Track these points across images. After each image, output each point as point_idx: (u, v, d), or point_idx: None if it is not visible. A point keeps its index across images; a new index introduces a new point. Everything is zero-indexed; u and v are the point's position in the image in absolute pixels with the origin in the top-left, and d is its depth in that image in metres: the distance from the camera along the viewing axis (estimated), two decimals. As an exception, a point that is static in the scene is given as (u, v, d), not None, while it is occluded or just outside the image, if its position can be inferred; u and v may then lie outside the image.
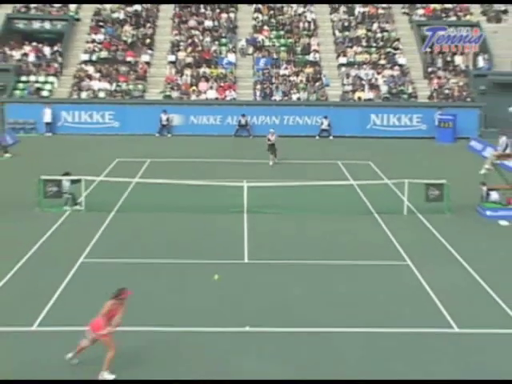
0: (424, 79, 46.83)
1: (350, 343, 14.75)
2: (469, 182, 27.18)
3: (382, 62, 47.44)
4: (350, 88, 45.39)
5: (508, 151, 26.65)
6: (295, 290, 17.69)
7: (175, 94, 44.73)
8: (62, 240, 21.56)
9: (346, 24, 50.29)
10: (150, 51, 47.83)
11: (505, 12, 50.68)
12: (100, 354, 13.10)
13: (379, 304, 16.89)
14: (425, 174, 28.02)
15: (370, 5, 51.47)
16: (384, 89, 45.31)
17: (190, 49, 47.79)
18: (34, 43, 47.95)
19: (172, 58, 47.20)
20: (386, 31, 49.76)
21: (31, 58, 46.97)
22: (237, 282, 18.29)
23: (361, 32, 49.57)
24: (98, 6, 50.83)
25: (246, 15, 51.33)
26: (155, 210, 24.62)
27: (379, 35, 49.42)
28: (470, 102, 44.73)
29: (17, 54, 47.02)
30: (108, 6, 50.92)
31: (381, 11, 51.40)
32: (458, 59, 47.33)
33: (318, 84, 45.40)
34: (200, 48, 48.01)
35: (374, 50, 48.37)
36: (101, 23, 49.93)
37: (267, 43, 48.72)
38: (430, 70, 47.01)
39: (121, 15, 50.50)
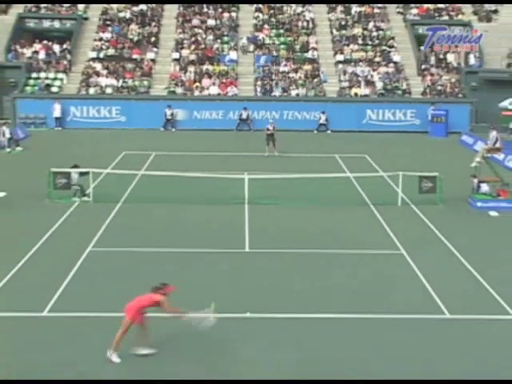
0: (418, 76, 46.75)
1: (346, 329, 14.73)
2: (460, 174, 27.15)
3: (378, 59, 47.37)
4: (346, 84, 45.32)
5: (498, 145, 26.64)
6: (294, 278, 17.68)
7: (179, 90, 44.66)
8: (71, 230, 21.56)
9: (343, 23, 50.16)
10: (155, 49, 47.74)
11: (495, 12, 50.57)
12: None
13: (374, 291, 16.88)
14: (418, 166, 27.98)
15: (366, 4, 51.37)
16: (379, 85, 45.24)
17: (193, 47, 47.69)
18: (45, 41, 47.90)
19: (176, 55, 47.10)
20: (382, 30, 49.65)
21: (41, 55, 46.92)
22: (238, 270, 18.29)
23: (357, 31, 49.47)
24: (106, 5, 50.71)
25: (247, 14, 51.20)
26: (160, 201, 24.59)
27: (375, 34, 49.31)
28: (462, 97, 44.68)
29: (28, 52, 46.98)
30: (115, 6, 50.82)
31: (376, 11, 51.29)
32: (450, 57, 47.24)
33: (316, 80, 45.32)
34: (203, 46, 47.91)
35: (369, 47, 48.26)
36: (108, 22, 49.82)
37: (267, 41, 48.61)
38: (423, 67, 46.93)
39: (127, 14, 50.38)
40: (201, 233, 21.38)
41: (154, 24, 49.66)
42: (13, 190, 25.84)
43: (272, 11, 51.18)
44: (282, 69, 46.34)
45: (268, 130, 34.55)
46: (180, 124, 42.93)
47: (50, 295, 16.05)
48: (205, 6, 51.04)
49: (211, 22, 49.98)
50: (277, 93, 44.63)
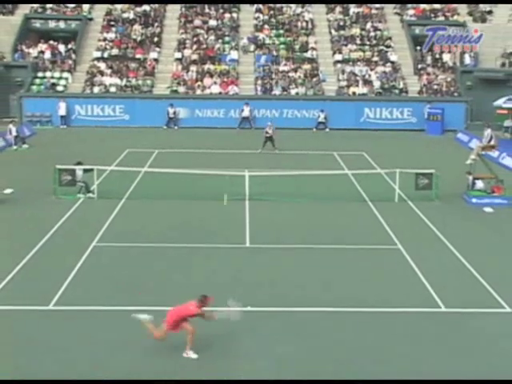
0: (414, 75, 46.69)
1: (344, 322, 14.73)
2: (456, 171, 27.12)
3: (375, 59, 47.31)
4: (345, 83, 45.26)
5: (492, 143, 26.65)
6: (293, 272, 17.69)
7: (181, 89, 44.63)
8: (76, 225, 21.55)
9: (342, 23, 50.09)
10: (157, 49, 47.69)
11: (489, 13, 50.52)
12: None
13: (372, 285, 16.87)
14: (415, 163, 27.93)
15: (363, 5, 51.34)
16: (377, 84, 45.20)
17: (195, 46, 47.65)
18: (50, 41, 47.91)
19: (178, 55, 47.07)
20: (379, 30, 49.58)
21: (47, 55, 46.89)
22: (239, 264, 18.29)
23: (355, 31, 49.40)
24: (110, 6, 50.67)
25: (247, 15, 51.12)
26: (163, 198, 24.59)
27: (372, 34, 49.24)
28: (457, 96, 44.63)
29: (34, 52, 46.95)
30: (119, 7, 50.77)
31: (374, 11, 51.24)
32: (446, 56, 47.17)
33: (315, 79, 45.28)
34: (205, 46, 47.86)
35: (367, 47, 48.19)
36: (112, 22, 49.75)
37: (267, 41, 48.55)
38: (419, 66, 46.87)
39: (131, 15, 50.32)
40: (202, 228, 21.37)
41: (156, 24, 49.61)
42: (20, 186, 25.83)
43: (272, 12, 51.11)
44: (281, 68, 46.29)
45: (267, 132, 34.56)
46: (182, 122, 42.89)
47: (55, 289, 16.05)
48: (206, 7, 50.98)
49: (212, 23, 49.91)
50: (277, 92, 44.59)
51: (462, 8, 51.08)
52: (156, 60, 46.94)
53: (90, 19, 50.13)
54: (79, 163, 25.20)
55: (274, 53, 47.48)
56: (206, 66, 46.18)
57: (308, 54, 47.37)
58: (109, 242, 19.88)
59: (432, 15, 50.55)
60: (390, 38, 48.89)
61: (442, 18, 49.86)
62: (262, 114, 42.92)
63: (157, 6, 50.94)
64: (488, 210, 24.23)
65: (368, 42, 48.62)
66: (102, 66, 45.95)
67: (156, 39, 48.39)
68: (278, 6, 51.40)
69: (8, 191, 25.13)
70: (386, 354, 13.28)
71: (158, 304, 15.24)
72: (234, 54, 47.18)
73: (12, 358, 12.86)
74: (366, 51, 47.80)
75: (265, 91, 44.65)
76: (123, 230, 21.11)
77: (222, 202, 24.22)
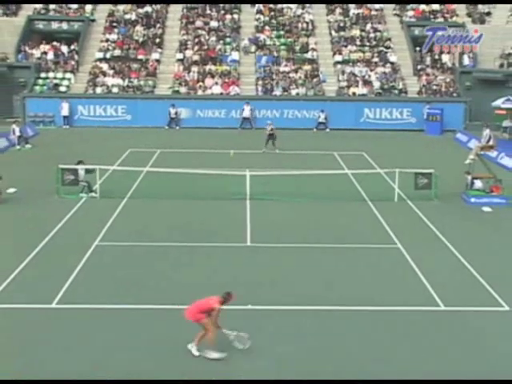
0: (413, 76, 46.65)
1: (344, 321, 14.71)
2: (455, 171, 27.10)
3: (375, 59, 47.27)
4: (345, 84, 45.23)
5: (491, 143, 26.61)
6: (293, 271, 17.67)
7: (183, 90, 44.61)
8: (79, 224, 21.53)
9: (342, 24, 50.06)
10: (159, 50, 47.67)
11: (488, 14, 50.48)
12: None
13: (371, 284, 16.85)
14: (414, 163, 27.90)
15: (363, 7, 51.32)
16: (376, 85, 45.16)
17: (196, 47, 47.62)
18: (53, 42, 47.85)
19: (180, 55, 47.05)
20: (379, 31, 49.54)
21: (50, 56, 46.87)
22: (240, 263, 18.27)
23: (355, 32, 49.36)
24: (112, 7, 50.68)
25: (248, 16, 51.09)
26: (165, 197, 24.57)
27: (372, 35, 49.20)
28: (456, 97, 44.60)
29: (37, 53, 46.93)
30: (121, 8, 50.77)
31: (374, 13, 51.20)
32: (445, 57, 47.14)
33: (315, 80, 45.24)
34: (206, 47, 47.82)
35: (367, 48, 48.15)
36: (114, 24, 49.75)
37: (268, 42, 48.51)
38: (419, 67, 46.83)
39: (133, 16, 50.29)
40: (204, 227, 21.35)
41: (158, 26, 49.58)
42: (23, 185, 25.81)
43: (273, 13, 51.09)
44: (282, 69, 46.26)
45: (272, 130, 34.61)
46: (184, 122, 42.89)
47: (58, 288, 16.04)
48: (208, 8, 50.97)
49: (214, 24, 49.87)
50: (277, 92, 44.56)
51: (461, 9, 51.05)
52: (158, 61, 46.92)
53: (93, 20, 50.11)
54: (80, 162, 25.20)
55: (275, 54, 47.44)
56: (208, 67, 46.17)
57: (308, 55, 47.34)
58: (111, 241, 19.86)
59: (431, 17, 50.50)
60: (389, 39, 48.85)
61: (441, 20, 49.81)
62: (262, 114, 42.91)
63: (159, 7, 50.93)
64: (487, 209, 24.20)
65: (368, 43, 48.59)
66: (105, 66, 45.94)
67: (158, 40, 48.37)
68: (279, 7, 51.39)
69: (11, 191, 25.11)
70: (386, 353, 13.25)
71: (159, 302, 15.26)
72: (235, 55, 47.17)
73: (17, 357, 12.84)
74: (366, 52, 47.77)
75: (265, 92, 44.63)
76: (125, 229, 21.08)
77: (223, 202, 24.17)
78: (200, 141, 37.22)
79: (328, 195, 25.13)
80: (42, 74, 45.65)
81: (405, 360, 12.96)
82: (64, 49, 47.40)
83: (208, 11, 50.94)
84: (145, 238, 20.10)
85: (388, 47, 48.18)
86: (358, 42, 48.53)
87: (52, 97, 43.28)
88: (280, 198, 24.61)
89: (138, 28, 49.19)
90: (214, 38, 48.52)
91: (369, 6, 51.42)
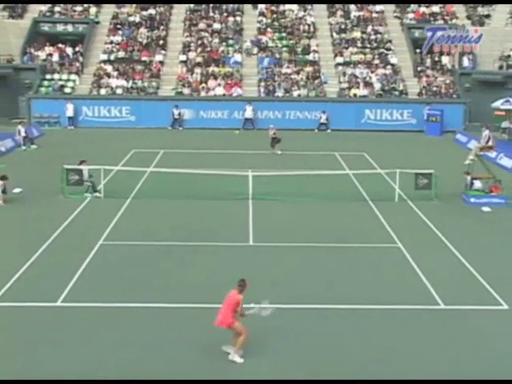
0: (414, 77, 46.62)
1: (344, 320, 14.70)
2: (455, 171, 27.07)
3: (376, 61, 47.24)
4: (346, 85, 45.21)
5: (490, 143, 26.57)
6: (295, 270, 17.66)
7: (186, 91, 44.60)
8: (83, 224, 21.54)
9: (343, 27, 50.04)
10: (163, 51, 47.66)
11: (487, 16, 50.42)
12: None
13: (372, 283, 16.83)
14: (414, 164, 27.89)
15: (364, 9, 51.30)
16: (377, 86, 45.12)
17: (199, 49, 47.61)
18: (58, 44, 47.87)
19: (183, 57, 47.05)
20: (380, 33, 49.50)
21: (55, 57, 46.89)
22: (242, 262, 18.25)
23: (356, 34, 49.34)
24: (116, 9, 50.74)
25: (251, 18, 51.08)
26: (168, 197, 24.57)
27: (373, 37, 49.17)
28: (456, 98, 44.55)
29: (42, 55, 46.94)
30: (125, 10, 50.81)
31: (374, 15, 51.17)
32: (445, 59, 47.10)
33: (316, 81, 45.22)
34: (209, 48, 47.82)
35: (368, 50, 48.12)
36: (118, 26, 49.76)
37: (270, 44, 48.49)
38: (419, 69, 46.79)
39: (137, 18, 50.31)
40: (207, 227, 21.34)
41: (162, 28, 49.58)
42: (28, 185, 25.84)
43: (275, 15, 51.08)
44: (284, 70, 46.24)
45: (274, 133, 34.56)
46: (187, 123, 42.89)
47: (63, 286, 16.05)
48: (211, 10, 50.99)
49: (217, 26, 49.87)
50: (279, 93, 44.55)
51: (461, 12, 51.03)
52: (161, 62, 46.92)
53: (97, 23, 50.13)
54: (83, 161, 25.20)
55: (277, 55, 47.41)
56: (211, 69, 46.16)
57: (310, 57, 47.32)
58: (115, 240, 19.87)
59: (431, 19, 50.45)
60: (390, 41, 48.81)
61: (441, 22, 49.75)
62: (264, 115, 42.91)
63: (162, 9, 50.96)
64: (486, 209, 24.17)
65: (369, 45, 48.56)
66: (109, 68, 45.96)
67: (161, 42, 48.36)
68: (281, 9, 51.40)
69: (17, 190, 25.13)
70: (386, 352, 13.23)
71: (164, 301, 15.26)
72: (237, 57, 47.15)
73: (22, 355, 12.85)
74: (367, 54, 47.74)
75: (268, 93, 44.61)
76: (129, 228, 21.09)
77: (225, 202, 24.16)
78: (203, 141, 37.23)
79: (329, 195, 25.11)
80: (48, 76, 45.67)
81: (405, 360, 12.94)
82: (69, 51, 47.43)
83: (211, 13, 50.97)
84: (149, 238, 20.10)
85: (388, 49, 48.14)
86: (359, 44, 48.50)
87: (57, 98, 43.31)
88: (282, 198, 24.61)
89: (142, 30, 49.20)
90: (216, 40, 48.53)
91: (369, 8, 51.41)
